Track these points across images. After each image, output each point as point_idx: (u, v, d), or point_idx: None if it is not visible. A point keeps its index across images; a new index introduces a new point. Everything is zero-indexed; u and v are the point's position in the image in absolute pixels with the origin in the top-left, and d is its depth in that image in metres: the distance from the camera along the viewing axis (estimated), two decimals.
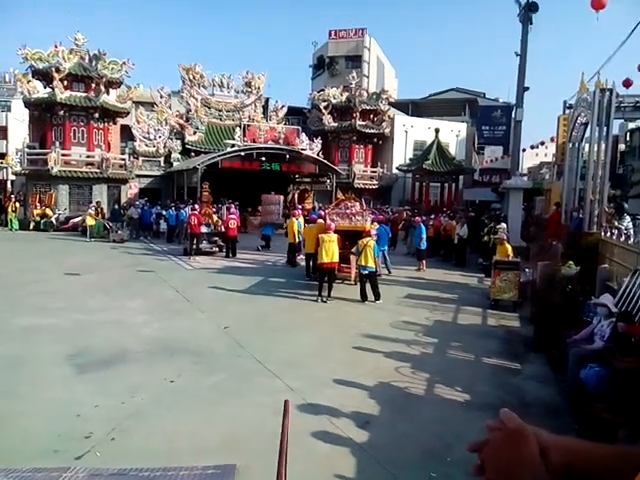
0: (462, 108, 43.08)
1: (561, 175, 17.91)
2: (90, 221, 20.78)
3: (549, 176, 28.55)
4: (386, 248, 14.68)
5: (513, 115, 27.47)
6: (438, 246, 18.17)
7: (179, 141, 28.73)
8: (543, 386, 6.30)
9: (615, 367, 4.96)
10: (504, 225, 13.82)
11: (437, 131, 31.04)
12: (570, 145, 14.82)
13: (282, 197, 24.73)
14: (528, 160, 44.72)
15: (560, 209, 14.99)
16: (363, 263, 10.49)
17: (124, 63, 26.24)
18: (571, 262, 9.99)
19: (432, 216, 20.13)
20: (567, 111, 20.44)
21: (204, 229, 17.38)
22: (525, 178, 22.43)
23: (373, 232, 11.74)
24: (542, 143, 30.46)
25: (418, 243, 15.36)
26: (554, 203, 16.47)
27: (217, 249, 17.58)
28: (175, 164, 27.67)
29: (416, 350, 7.46)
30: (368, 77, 42.23)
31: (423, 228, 15.56)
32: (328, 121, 33.86)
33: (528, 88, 18.77)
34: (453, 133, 36.94)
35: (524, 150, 27.05)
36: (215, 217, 19.35)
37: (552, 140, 26.91)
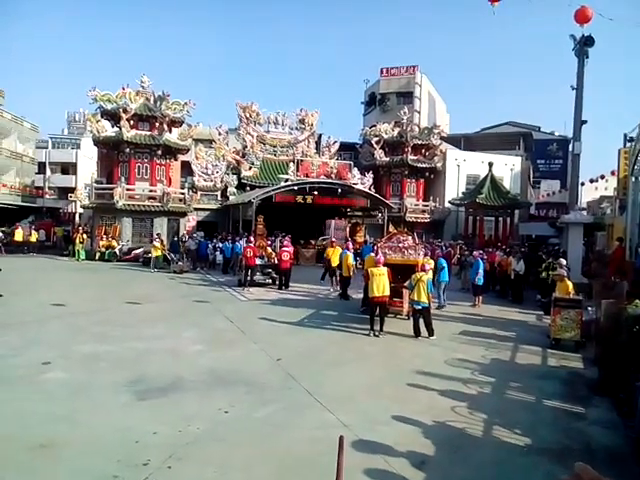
0: (516, 142, 42.44)
1: (624, 209, 17.20)
2: (155, 252, 21.62)
3: (610, 210, 27.43)
4: (447, 280, 14.58)
5: (570, 148, 26.82)
6: (493, 282, 17.72)
7: (235, 176, 29.82)
8: (609, 432, 5.97)
9: None
10: (563, 261, 13.34)
11: (490, 165, 30.66)
12: (633, 179, 14.28)
13: (346, 222, 24.99)
14: (587, 194, 43.16)
15: (623, 245, 14.34)
16: (416, 298, 10.40)
17: (186, 103, 27.74)
18: (638, 301, 9.49)
19: (489, 250, 19.69)
20: (628, 144, 19.74)
21: (258, 261, 17.72)
22: (585, 212, 21.71)
23: (428, 267, 11.62)
24: (602, 177, 29.36)
25: (474, 278, 15.06)
26: (617, 238, 15.76)
27: (270, 281, 17.80)
28: (231, 198, 28.61)
29: (472, 389, 7.26)
30: (419, 112, 42.52)
31: (481, 263, 15.25)
32: (380, 156, 34.22)
33: (586, 121, 18.33)
34: (507, 167, 36.38)
35: (583, 184, 26.20)
36: (269, 249, 19.75)
37: (613, 174, 25.94)
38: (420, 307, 10.42)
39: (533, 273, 16.88)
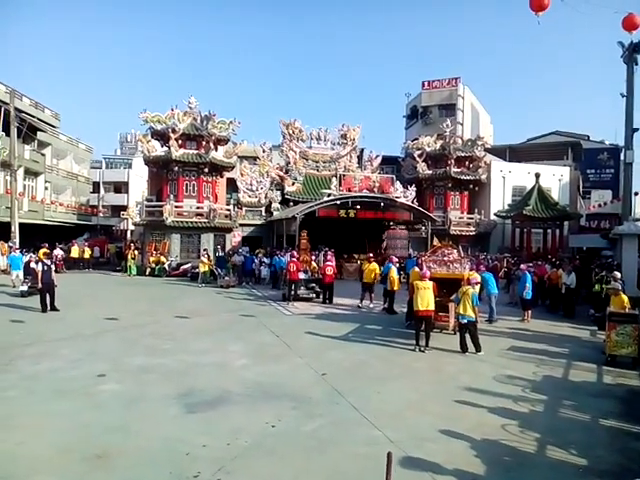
0: (564, 152, 41.21)
1: None
2: (203, 268, 22.16)
3: None
4: (496, 292, 14.36)
5: (622, 157, 25.75)
6: (543, 296, 17.21)
7: (279, 192, 30.34)
8: None
9: None
10: (618, 274, 12.83)
11: (537, 176, 29.91)
12: None
13: (407, 232, 24.80)
14: None
15: None
16: (462, 312, 10.24)
17: (231, 122, 28.52)
18: None
19: (538, 263, 19.15)
20: None
21: (302, 275, 17.87)
22: (639, 223, 20.74)
23: (474, 280, 11.43)
24: None
25: (522, 292, 14.69)
26: None
27: (314, 295, 17.90)
28: (275, 213, 29.10)
29: (523, 407, 7.07)
30: (462, 124, 42.06)
31: (528, 276, 14.89)
32: (422, 169, 34.00)
33: (637, 129, 17.67)
34: (555, 177, 35.39)
35: (637, 193, 25.11)
36: (313, 264, 19.89)
37: None
38: (466, 321, 10.25)
39: (585, 287, 16.29)
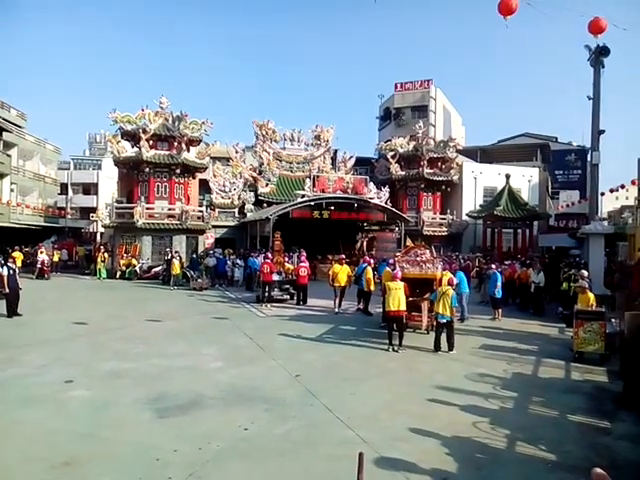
0: (533, 153, 42.16)
1: None
2: (175, 270, 21.84)
3: (632, 220, 26.96)
4: (468, 291, 14.48)
5: (589, 158, 26.37)
6: (513, 294, 17.51)
7: (252, 193, 30.10)
8: (636, 447, 5.85)
9: None
10: (585, 272, 13.16)
11: (508, 177, 30.50)
12: None
13: (395, 235, 24.97)
14: (608, 204, 42.49)
15: None
16: (441, 311, 10.35)
17: (203, 122, 28.25)
18: None
19: (507, 263, 19.49)
20: None
21: (276, 277, 17.78)
22: (605, 223, 21.38)
23: (456, 281, 11.53)
24: (622, 186, 28.88)
25: (493, 291, 14.94)
26: (639, 248, 15.51)
27: (288, 297, 17.86)
28: (249, 215, 28.86)
29: (494, 404, 7.16)
30: (435, 126, 42.56)
31: (499, 275, 15.16)
32: (395, 170, 34.28)
33: (604, 131, 18.13)
34: (525, 178, 36.14)
35: (603, 194, 25.76)
36: (287, 265, 19.81)
37: (633, 183, 25.54)
38: (445, 321, 10.39)
39: (554, 285, 16.64)
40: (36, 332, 11.78)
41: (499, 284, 14.86)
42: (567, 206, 37.87)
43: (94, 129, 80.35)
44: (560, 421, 6.66)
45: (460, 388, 7.86)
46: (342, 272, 15.70)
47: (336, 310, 15.40)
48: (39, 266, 24.57)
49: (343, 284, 15.60)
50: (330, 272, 16.05)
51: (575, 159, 38.11)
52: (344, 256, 18.46)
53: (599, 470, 0.71)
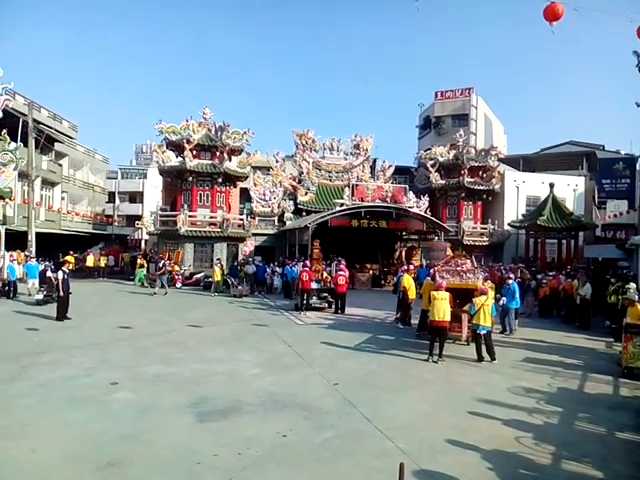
0: (579, 162, 40.83)
1: None
2: (217, 277, 22.26)
3: None
4: (519, 306, 14.12)
5: (638, 167, 25.46)
6: (558, 306, 16.99)
7: (292, 201, 30.43)
8: None
9: None
10: (634, 285, 12.63)
11: (552, 186, 29.65)
12: None
13: (448, 245, 24.92)
14: None
15: None
16: (481, 322, 10.19)
17: (245, 132, 28.82)
18: None
19: (551, 274, 18.90)
20: None
21: (314, 285, 17.86)
22: None
23: (487, 289, 11.28)
24: None
25: (511, 302, 14.08)
26: None
27: (326, 305, 17.87)
28: (288, 223, 29.15)
29: (538, 419, 6.97)
30: (476, 134, 41.97)
31: (516, 287, 14.40)
32: (435, 179, 33.93)
33: None
34: (570, 187, 35.08)
35: None
36: (325, 273, 19.86)
37: None
38: (485, 331, 10.24)
39: (601, 297, 16.07)
40: (83, 335, 12.18)
41: (517, 295, 14.24)
42: (615, 216, 36.43)
43: (141, 140, 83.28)
44: (607, 438, 6.42)
45: (501, 401, 7.68)
46: (409, 282, 14.91)
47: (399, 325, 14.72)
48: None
49: (412, 296, 14.83)
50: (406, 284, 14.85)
51: (623, 168, 36.63)
52: (410, 265, 18.09)
53: None
